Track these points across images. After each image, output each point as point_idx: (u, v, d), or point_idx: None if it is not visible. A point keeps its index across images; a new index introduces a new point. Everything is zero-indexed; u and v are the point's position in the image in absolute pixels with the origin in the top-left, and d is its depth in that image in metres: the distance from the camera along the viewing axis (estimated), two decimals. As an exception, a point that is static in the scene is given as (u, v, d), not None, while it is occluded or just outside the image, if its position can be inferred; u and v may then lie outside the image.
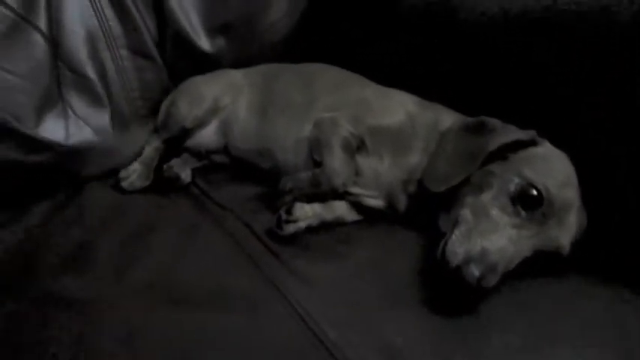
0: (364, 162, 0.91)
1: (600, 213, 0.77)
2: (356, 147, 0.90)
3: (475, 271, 0.65)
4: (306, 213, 0.85)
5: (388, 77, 1.07)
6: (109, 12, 1.16)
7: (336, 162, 0.87)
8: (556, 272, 0.74)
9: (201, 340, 0.65)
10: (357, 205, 0.92)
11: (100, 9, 1.15)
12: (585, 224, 0.76)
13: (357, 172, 0.91)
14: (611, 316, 0.69)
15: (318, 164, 0.90)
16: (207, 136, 1.16)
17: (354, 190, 0.90)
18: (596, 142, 0.80)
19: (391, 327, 0.66)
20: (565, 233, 0.72)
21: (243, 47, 1.32)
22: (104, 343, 0.65)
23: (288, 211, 0.84)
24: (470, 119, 0.86)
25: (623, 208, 0.79)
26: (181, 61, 1.26)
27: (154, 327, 0.68)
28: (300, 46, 1.36)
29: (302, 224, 0.84)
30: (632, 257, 0.77)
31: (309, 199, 0.88)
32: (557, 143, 0.79)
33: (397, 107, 0.92)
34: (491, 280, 0.66)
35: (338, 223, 0.89)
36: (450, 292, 0.68)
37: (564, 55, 0.82)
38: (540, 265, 0.73)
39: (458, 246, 0.69)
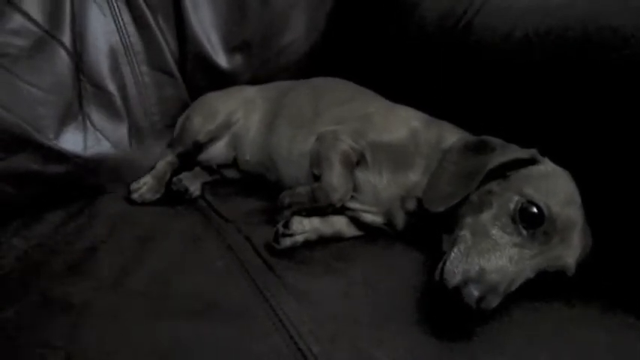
0: (363, 177, 0.90)
1: (606, 235, 0.73)
2: (356, 161, 0.90)
3: (474, 291, 0.61)
4: (304, 227, 0.85)
5: (402, 94, 1.06)
6: (131, 29, 1.20)
7: (334, 177, 0.87)
8: (559, 297, 0.71)
9: (188, 350, 0.65)
10: (356, 221, 0.91)
11: (122, 25, 1.19)
12: (591, 244, 0.72)
13: (356, 188, 0.90)
14: (613, 342, 0.65)
15: (317, 178, 0.90)
16: (218, 149, 1.18)
17: (353, 205, 0.89)
18: (603, 161, 0.77)
19: (377, 346, 0.64)
20: (569, 252, 0.68)
21: (261, 65, 1.34)
22: (91, 350, 0.66)
23: (286, 225, 0.83)
24: (471, 138, 0.84)
25: (629, 229, 0.75)
26: (200, 77, 1.29)
27: (144, 335, 0.68)
28: (317, 65, 1.38)
29: (299, 238, 0.84)
30: (638, 281, 0.73)
31: (309, 213, 0.87)
32: (564, 162, 0.76)
33: (400, 123, 0.91)
34: (492, 302, 0.62)
35: (336, 238, 0.88)
36: (449, 315, 0.65)
37: (571, 74, 0.80)
38: (545, 287, 0.69)
39: (455, 266, 0.65)
